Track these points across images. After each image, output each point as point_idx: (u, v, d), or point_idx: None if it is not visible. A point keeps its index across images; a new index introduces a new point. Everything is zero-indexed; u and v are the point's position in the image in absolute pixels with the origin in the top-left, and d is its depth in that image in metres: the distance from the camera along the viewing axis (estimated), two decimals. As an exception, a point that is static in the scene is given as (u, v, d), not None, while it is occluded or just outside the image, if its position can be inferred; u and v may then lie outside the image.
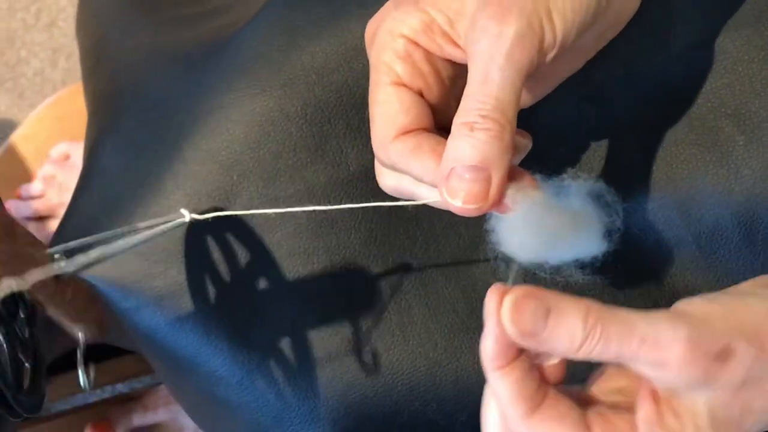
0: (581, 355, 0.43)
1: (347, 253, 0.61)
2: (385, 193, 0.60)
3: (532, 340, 0.43)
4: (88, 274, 0.61)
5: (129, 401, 1.16)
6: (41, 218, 1.24)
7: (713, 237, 0.59)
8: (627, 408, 0.46)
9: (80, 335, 0.60)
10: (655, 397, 0.45)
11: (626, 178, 0.60)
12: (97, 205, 0.64)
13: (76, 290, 0.60)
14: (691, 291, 0.60)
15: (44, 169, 1.26)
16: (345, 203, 0.61)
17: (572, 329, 0.43)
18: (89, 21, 0.81)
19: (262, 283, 0.61)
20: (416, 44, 0.50)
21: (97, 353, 1.11)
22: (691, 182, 0.59)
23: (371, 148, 0.60)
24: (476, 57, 0.47)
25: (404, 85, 0.50)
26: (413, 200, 0.52)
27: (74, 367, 1.12)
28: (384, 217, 0.62)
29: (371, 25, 0.53)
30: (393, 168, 0.51)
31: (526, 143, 0.52)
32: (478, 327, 0.60)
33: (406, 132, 0.49)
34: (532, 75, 0.48)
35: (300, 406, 0.61)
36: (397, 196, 0.53)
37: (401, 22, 0.50)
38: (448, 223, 0.62)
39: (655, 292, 0.61)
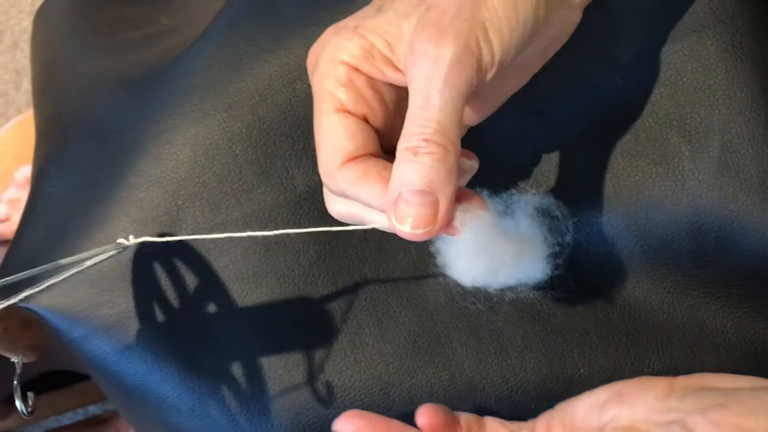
0: None
1: (296, 275, 0.61)
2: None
3: None
4: (33, 305, 0.60)
5: (97, 425, 1.15)
6: (6, 242, 1.23)
7: (662, 249, 0.59)
8: None
9: (17, 363, 0.59)
10: None
11: (575, 192, 0.60)
12: (42, 233, 0.63)
13: (7, 320, 0.59)
14: (642, 304, 0.60)
15: (9, 193, 1.25)
16: (293, 225, 0.61)
17: None
18: (39, 45, 0.81)
19: (211, 308, 0.61)
20: (357, 70, 0.50)
21: (69, 374, 1.10)
22: (638, 194, 0.59)
23: (317, 169, 0.60)
24: (415, 81, 0.47)
25: (348, 112, 0.50)
26: (363, 225, 0.52)
27: (48, 390, 1.12)
28: (332, 239, 0.61)
29: (312, 53, 0.52)
30: (342, 195, 0.50)
31: (473, 164, 0.52)
32: (429, 346, 0.60)
33: (353, 158, 0.49)
34: (473, 95, 0.48)
35: (253, 430, 0.60)
36: (347, 221, 0.53)
37: (341, 48, 0.50)
38: (398, 243, 0.61)
39: (607, 306, 0.61)
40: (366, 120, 0.50)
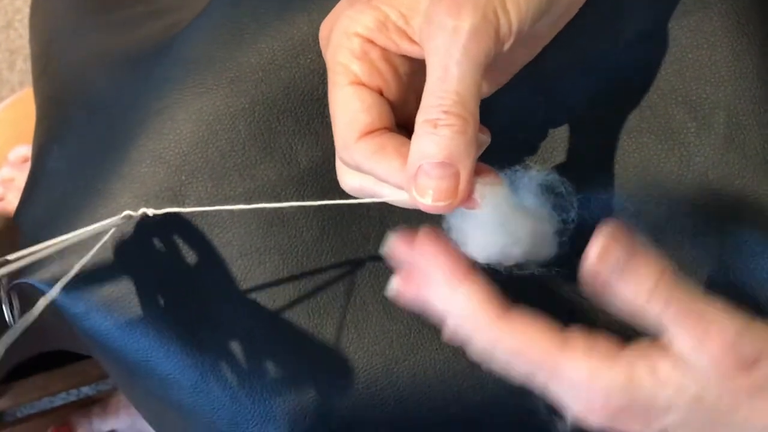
0: (636, 312, 0.44)
1: (299, 251, 0.60)
2: (338, 188, 0.59)
3: (604, 283, 0.43)
4: (34, 279, 0.60)
5: (91, 405, 1.15)
6: None
7: (666, 225, 0.59)
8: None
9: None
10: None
11: (580, 168, 0.60)
12: (43, 210, 0.63)
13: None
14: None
15: (2, 172, 1.24)
16: (296, 200, 0.60)
17: (645, 280, 0.43)
18: (39, 24, 0.80)
19: (214, 284, 0.60)
20: (372, 42, 0.49)
21: (61, 356, 1.10)
22: (643, 171, 0.59)
23: (321, 144, 0.60)
24: (433, 53, 0.46)
25: (363, 85, 0.49)
26: (376, 197, 0.51)
27: (39, 371, 1.11)
28: (336, 215, 0.61)
29: (325, 26, 0.52)
30: (357, 169, 0.50)
31: (485, 138, 0.52)
32: (433, 323, 0.59)
33: (369, 132, 0.49)
34: (490, 66, 0.48)
35: (255, 407, 0.60)
36: (360, 196, 0.53)
37: (355, 21, 0.49)
38: (401, 218, 0.61)
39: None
40: (381, 93, 0.50)
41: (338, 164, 0.53)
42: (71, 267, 0.60)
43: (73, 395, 1.20)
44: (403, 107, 0.52)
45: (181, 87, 0.61)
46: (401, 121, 0.52)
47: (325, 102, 0.60)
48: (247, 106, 0.60)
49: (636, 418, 0.45)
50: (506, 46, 0.48)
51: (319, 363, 0.60)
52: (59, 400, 1.21)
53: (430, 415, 0.60)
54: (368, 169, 0.49)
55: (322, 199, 0.61)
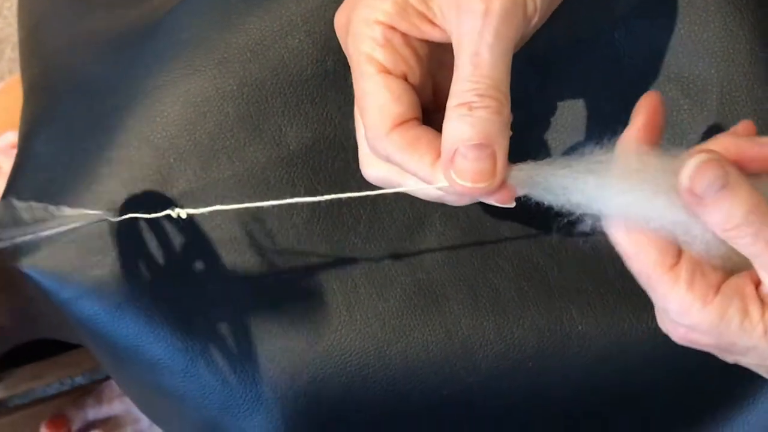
0: (724, 237, 0.45)
1: (290, 234, 0.60)
2: (328, 170, 0.59)
3: (694, 200, 0.44)
4: (21, 265, 0.59)
5: (85, 395, 1.14)
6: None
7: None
8: None
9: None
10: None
11: (572, 145, 0.60)
12: (30, 194, 0.62)
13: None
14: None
15: (-9, 159, 1.23)
16: (286, 183, 0.60)
17: (733, 214, 0.44)
18: (26, 7, 0.79)
19: (203, 268, 0.60)
20: (393, 29, 0.49)
21: (54, 345, 1.09)
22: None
23: (310, 125, 0.59)
24: (464, 37, 0.46)
25: (389, 72, 0.49)
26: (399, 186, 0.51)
27: (32, 361, 1.11)
28: (326, 196, 0.60)
29: (341, 15, 0.52)
30: (387, 160, 0.50)
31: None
32: (425, 304, 0.59)
33: (402, 122, 0.49)
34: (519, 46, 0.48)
35: (246, 391, 0.60)
36: (383, 186, 0.52)
37: (374, 8, 0.49)
38: (392, 201, 0.61)
39: (604, 263, 0.61)
40: (405, 79, 0.50)
41: (362, 154, 0.52)
42: (61, 253, 0.59)
43: (66, 385, 1.19)
44: (420, 91, 0.51)
45: (169, 69, 0.61)
46: (423, 105, 0.51)
47: (314, 83, 0.60)
48: (235, 87, 0.60)
49: (715, 350, 0.49)
50: (532, 26, 0.48)
51: (310, 346, 0.59)
52: (53, 389, 1.20)
53: (422, 397, 0.60)
54: (399, 161, 0.49)
55: (312, 181, 0.60)
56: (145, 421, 1.14)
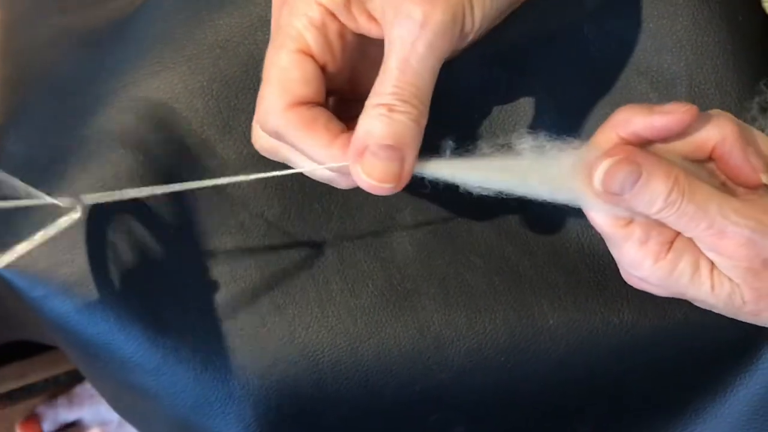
0: (654, 218, 0.48)
1: (261, 230, 0.60)
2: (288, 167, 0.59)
3: (615, 199, 0.47)
4: (-6, 265, 0.58)
5: (56, 395, 1.14)
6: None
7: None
8: None
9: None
10: None
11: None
12: (2, 192, 0.62)
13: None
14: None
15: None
16: (256, 179, 0.60)
17: (654, 198, 0.47)
18: (-2, 7, 0.79)
19: (175, 266, 0.59)
20: (333, 16, 0.49)
21: (35, 345, 1.09)
22: (606, 143, 0.59)
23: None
24: (397, 41, 0.46)
25: (311, 56, 0.49)
26: (286, 162, 0.52)
27: (9, 362, 1.10)
28: (297, 193, 0.60)
29: None
30: (277, 137, 0.50)
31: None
32: (397, 300, 0.59)
33: (301, 103, 0.48)
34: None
35: (218, 389, 0.59)
36: (272, 158, 0.53)
37: None
38: (364, 196, 0.60)
39: (575, 257, 0.61)
40: (324, 68, 0.50)
41: (255, 125, 0.52)
42: (32, 253, 0.59)
43: (50, 384, 1.18)
44: (336, 77, 0.51)
45: (139, 66, 0.60)
46: (330, 88, 0.51)
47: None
48: (205, 83, 0.60)
49: (667, 294, 0.52)
50: (466, 43, 0.49)
51: (282, 343, 0.59)
52: (37, 388, 1.19)
53: (395, 392, 0.59)
54: (292, 140, 0.49)
55: (283, 179, 0.60)
56: (114, 423, 1.13)
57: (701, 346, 0.60)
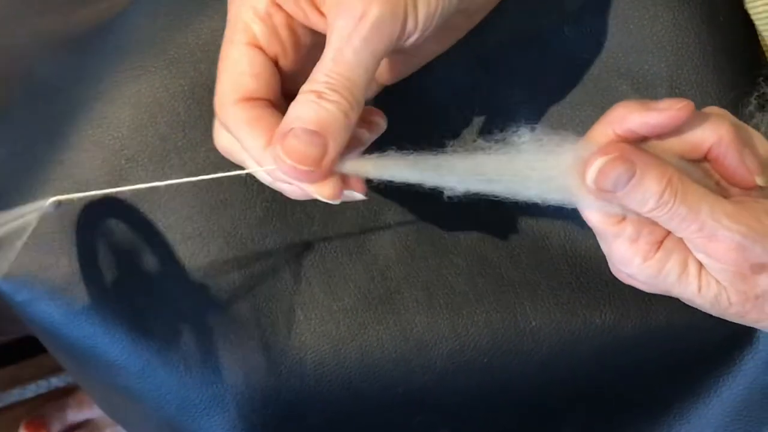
0: (647, 216, 0.48)
1: (243, 233, 0.60)
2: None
3: (608, 196, 0.47)
4: (-26, 270, 0.59)
5: (64, 397, 1.15)
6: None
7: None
8: None
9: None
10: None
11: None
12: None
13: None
14: (593, 256, 0.60)
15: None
16: (239, 182, 0.60)
17: (647, 197, 0.47)
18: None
19: (159, 269, 0.60)
20: (279, 6, 0.49)
21: (29, 347, 1.09)
22: (587, 144, 0.58)
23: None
24: (334, 33, 0.46)
25: (260, 48, 0.49)
26: (241, 164, 0.51)
27: (7, 364, 1.11)
28: (280, 196, 0.60)
29: None
30: (227, 131, 0.50)
31: (382, 123, 0.52)
32: (380, 302, 0.59)
33: (251, 99, 0.48)
34: (388, 56, 0.49)
35: (203, 392, 0.60)
36: (228, 157, 0.52)
37: None
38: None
39: (557, 259, 0.61)
40: (276, 61, 0.50)
41: (216, 121, 0.52)
42: (18, 259, 0.59)
43: (43, 387, 1.19)
44: (296, 78, 0.51)
45: (120, 70, 0.61)
46: (292, 92, 0.50)
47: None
48: (186, 87, 0.60)
49: (655, 291, 0.52)
50: (409, 42, 0.48)
51: (266, 345, 0.59)
52: (29, 392, 1.20)
53: (378, 395, 0.60)
54: (236, 135, 0.49)
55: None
56: (125, 425, 1.13)
57: (684, 348, 0.60)
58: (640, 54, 0.58)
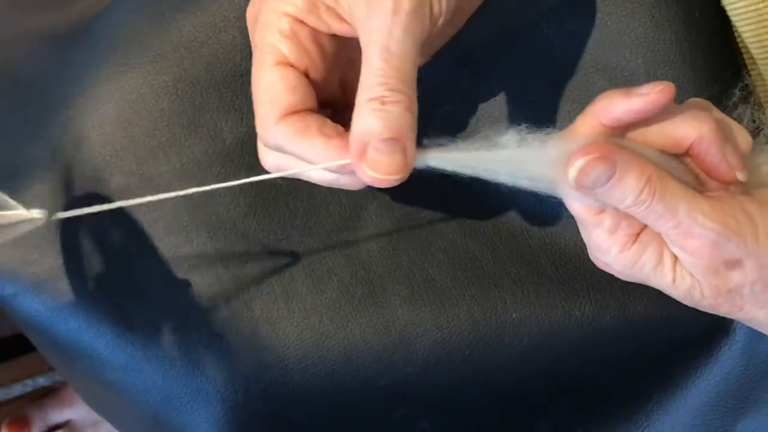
0: (625, 211, 0.49)
1: (227, 228, 0.60)
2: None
3: (588, 192, 0.48)
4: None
5: (46, 396, 1.14)
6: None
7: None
8: None
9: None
10: None
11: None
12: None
13: None
14: (572, 249, 0.61)
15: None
16: (222, 177, 0.61)
17: (625, 195, 0.48)
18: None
19: (142, 264, 0.60)
20: (302, 23, 0.50)
21: (17, 346, 1.09)
22: (566, 139, 0.59)
23: (245, 120, 0.60)
24: (373, 33, 0.47)
25: (290, 65, 0.50)
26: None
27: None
28: (263, 191, 0.61)
29: (252, 6, 0.52)
30: (279, 150, 0.50)
31: None
32: (362, 296, 0.60)
33: (292, 113, 0.49)
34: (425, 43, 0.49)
35: (188, 385, 0.60)
36: (283, 174, 0.53)
37: (284, 1, 0.49)
38: (328, 193, 0.61)
39: (537, 252, 0.62)
40: (307, 74, 0.50)
41: (259, 144, 0.53)
42: (1, 254, 0.60)
43: (29, 386, 1.19)
44: (325, 86, 0.52)
45: (103, 66, 0.61)
46: (323, 100, 0.52)
47: (249, 78, 0.59)
48: (170, 83, 0.60)
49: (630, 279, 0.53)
50: (439, 23, 0.49)
51: (250, 339, 0.60)
52: (15, 391, 1.20)
53: (361, 387, 0.60)
54: (290, 150, 0.49)
55: (250, 175, 0.60)
56: (106, 423, 1.13)
57: (662, 340, 0.61)
58: (618, 50, 0.59)
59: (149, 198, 0.52)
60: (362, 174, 0.47)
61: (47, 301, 0.60)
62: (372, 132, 0.46)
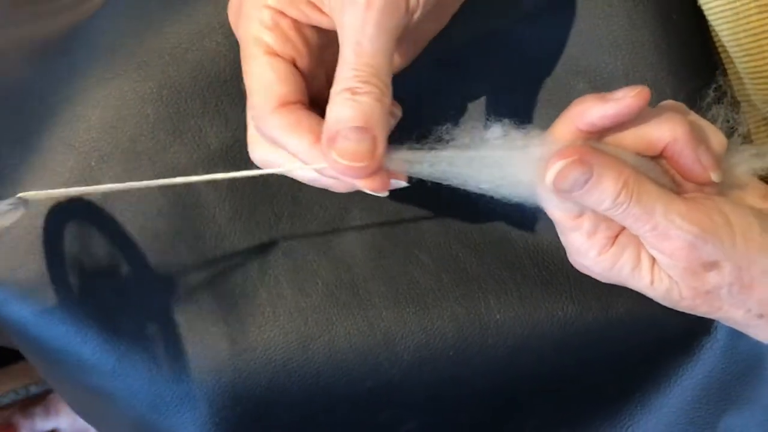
0: (603, 214, 0.50)
1: (212, 232, 0.61)
2: (249, 167, 0.60)
3: (566, 196, 0.49)
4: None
5: (33, 405, 1.14)
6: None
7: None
8: None
9: None
10: None
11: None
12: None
13: None
14: (555, 251, 0.61)
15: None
16: (208, 182, 0.61)
17: (603, 198, 0.49)
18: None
19: (128, 269, 0.61)
20: (282, 14, 0.51)
21: (10, 355, 1.09)
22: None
23: (230, 126, 0.61)
24: (346, 27, 0.48)
25: (276, 54, 0.51)
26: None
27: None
28: (248, 194, 0.61)
29: (233, 2, 0.53)
30: (271, 141, 0.51)
31: (397, 112, 0.54)
32: (347, 299, 0.60)
33: (285, 103, 0.50)
34: (401, 38, 0.49)
35: (174, 389, 0.60)
36: (266, 167, 0.54)
37: None
38: (313, 196, 0.62)
39: (521, 254, 0.62)
40: (294, 64, 0.51)
41: (250, 135, 0.54)
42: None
43: (21, 395, 1.19)
44: (312, 81, 0.53)
45: (90, 74, 0.61)
46: (312, 94, 0.53)
47: (233, 84, 0.61)
48: (154, 90, 0.61)
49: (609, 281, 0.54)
50: (415, 17, 0.49)
51: (235, 343, 0.60)
52: (7, 399, 1.19)
53: (347, 389, 0.61)
54: (281, 142, 0.50)
55: (233, 179, 0.61)
56: (93, 431, 1.13)
57: (644, 339, 0.62)
58: (597, 53, 0.60)
59: (121, 185, 0.53)
60: (331, 162, 0.48)
61: (32, 307, 0.60)
62: (342, 120, 0.47)
